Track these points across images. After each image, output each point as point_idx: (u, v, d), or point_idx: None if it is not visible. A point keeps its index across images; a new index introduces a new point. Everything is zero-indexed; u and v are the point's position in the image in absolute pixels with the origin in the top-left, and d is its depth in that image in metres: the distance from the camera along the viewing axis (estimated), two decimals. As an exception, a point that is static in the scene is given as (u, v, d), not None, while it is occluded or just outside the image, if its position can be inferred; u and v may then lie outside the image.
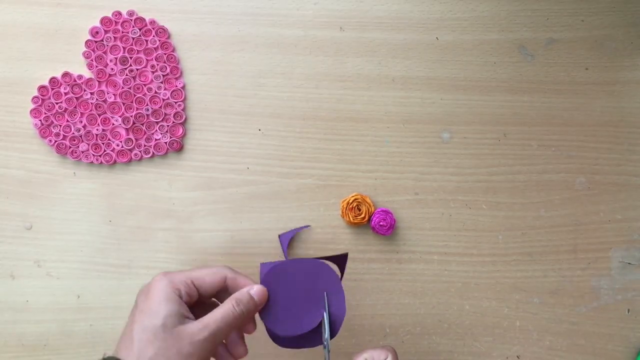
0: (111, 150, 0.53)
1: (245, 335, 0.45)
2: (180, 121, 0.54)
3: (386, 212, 0.54)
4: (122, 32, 0.53)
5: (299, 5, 0.54)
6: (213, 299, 0.45)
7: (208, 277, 0.43)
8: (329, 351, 0.43)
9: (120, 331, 0.53)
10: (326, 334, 0.43)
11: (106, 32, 0.53)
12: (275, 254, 0.54)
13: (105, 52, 0.53)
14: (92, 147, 0.53)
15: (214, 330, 0.40)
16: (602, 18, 0.55)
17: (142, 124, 0.53)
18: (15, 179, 0.53)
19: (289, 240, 0.53)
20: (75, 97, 0.53)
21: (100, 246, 0.54)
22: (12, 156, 0.53)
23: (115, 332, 0.54)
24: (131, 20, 0.53)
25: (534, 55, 0.55)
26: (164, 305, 0.39)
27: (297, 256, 0.54)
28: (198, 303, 0.43)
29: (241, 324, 0.42)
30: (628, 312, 0.55)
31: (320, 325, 0.44)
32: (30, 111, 0.53)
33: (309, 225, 0.53)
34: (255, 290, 0.43)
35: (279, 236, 0.53)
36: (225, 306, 0.41)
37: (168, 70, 0.53)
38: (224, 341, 0.44)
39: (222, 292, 0.44)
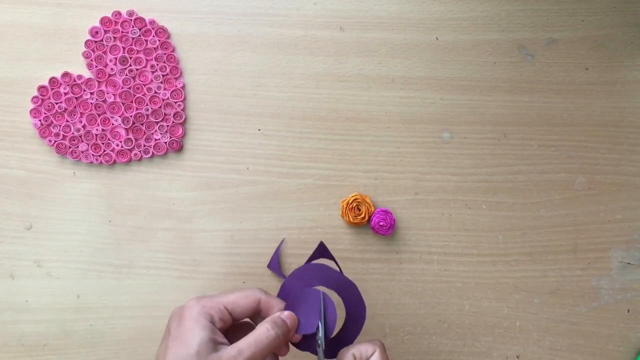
0: (111, 150, 0.53)
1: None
2: (180, 121, 0.54)
3: (386, 212, 0.54)
4: (122, 32, 0.53)
5: (299, 5, 0.54)
6: (247, 320, 0.45)
7: (241, 301, 0.43)
8: (323, 350, 0.43)
9: (120, 331, 0.53)
10: (320, 332, 0.43)
11: (106, 32, 0.53)
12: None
13: (105, 52, 0.53)
14: (91, 147, 0.53)
15: (248, 356, 0.40)
16: (602, 18, 0.55)
17: (142, 124, 0.53)
18: (15, 179, 0.53)
19: (277, 261, 0.54)
20: (75, 97, 0.53)
21: (100, 246, 0.54)
22: (12, 156, 0.53)
23: (115, 332, 0.54)
24: (131, 20, 0.53)
25: (533, 55, 0.55)
26: (197, 332, 0.39)
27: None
28: (231, 325, 0.43)
29: (275, 348, 0.42)
30: (628, 312, 0.55)
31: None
32: (30, 111, 0.53)
33: (283, 238, 0.54)
34: (286, 314, 0.43)
35: (269, 266, 0.54)
36: (259, 330, 0.41)
37: (168, 70, 0.53)
38: None
39: (254, 314, 0.44)
